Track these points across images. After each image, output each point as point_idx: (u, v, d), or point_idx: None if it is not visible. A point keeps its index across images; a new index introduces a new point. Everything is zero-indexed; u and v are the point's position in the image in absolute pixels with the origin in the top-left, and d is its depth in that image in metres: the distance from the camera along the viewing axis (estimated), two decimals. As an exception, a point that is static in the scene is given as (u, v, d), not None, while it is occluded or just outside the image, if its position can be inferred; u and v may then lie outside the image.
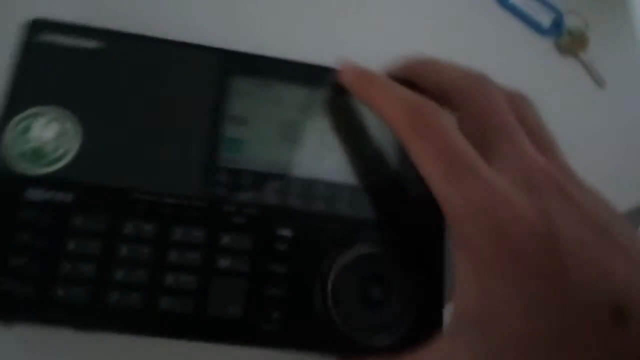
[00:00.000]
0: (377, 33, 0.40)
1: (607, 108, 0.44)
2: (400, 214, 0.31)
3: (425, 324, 0.29)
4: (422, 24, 0.42)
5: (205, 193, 0.29)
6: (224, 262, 0.28)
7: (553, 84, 0.42)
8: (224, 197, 0.29)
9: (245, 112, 0.31)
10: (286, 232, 0.29)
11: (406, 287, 0.29)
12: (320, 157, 0.31)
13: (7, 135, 0.29)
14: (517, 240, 0.22)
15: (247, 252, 0.29)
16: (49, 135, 0.29)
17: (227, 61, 0.31)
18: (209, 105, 0.31)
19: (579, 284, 0.21)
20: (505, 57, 0.40)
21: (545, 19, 0.45)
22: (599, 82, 0.44)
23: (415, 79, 0.31)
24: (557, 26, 0.45)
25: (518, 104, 0.27)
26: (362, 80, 0.29)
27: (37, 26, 0.30)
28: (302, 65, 0.32)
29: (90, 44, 0.30)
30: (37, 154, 0.29)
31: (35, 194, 0.28)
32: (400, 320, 0.29)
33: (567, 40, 0.45)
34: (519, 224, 0.22)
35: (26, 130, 0.29)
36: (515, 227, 0.22)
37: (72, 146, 0.29)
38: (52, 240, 0.27)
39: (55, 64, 0.30)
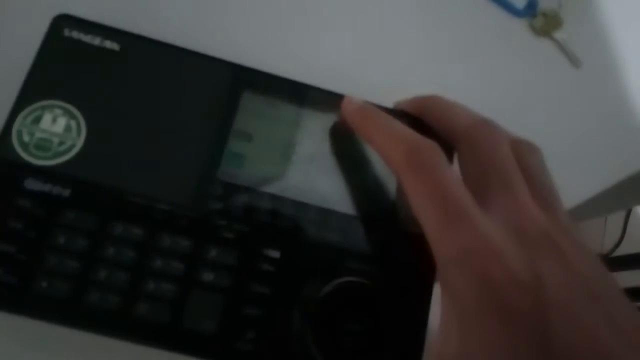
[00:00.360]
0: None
1: (583, 88, 0.43)
2: (392, 248, 0.30)
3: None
4: (397, 7, 0.42)
5: (199, 204, 0.29)
6: (206, 275, 0.28)
7: (529, 65, 0.43)
8: (216, 210, 0.29)
9: (251, 129, 0.31)
10: (273, 253, 0.29)
11: (387, 323, 0.29)
12: (317, 182, 0.31)
13: (18, 122, 0.29)
14: (503, 292, 0.21)
15: (231, 268, 0.29)
16: (57, 129, 0.29)
17: (240, 76, 0.32)
18: (216, 117, 0.31)
19: (562, 352, 0.20)
20: (481, 39, 0.40)
21: (519, 0, 0.44)
22: (574, 62, 0.43)
23: (423, 116, 0.30)
24: (531, 7, 0.44)
25: (522, 150, 0.27)
26: (363, 115, 0.29)
27: (61, 21, 0.31)
28: (312, 88, 0.32)
29: (109, 44, 0.31)
30: (43, 146, 0.29)
31: (34, 184, 0.28)
32: (379, 356, 0.28)
33: (541, 21, 0.44)
34: (506, 275, 0.21)
35: (37, 120, 0.29)
36: (502, 278, 0.21)
37: (76, 142, 0.29)
38: (43, 232, 0.28)
39: (73, 60, 0.31)
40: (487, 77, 0.41)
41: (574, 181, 0.40)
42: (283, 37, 0.39)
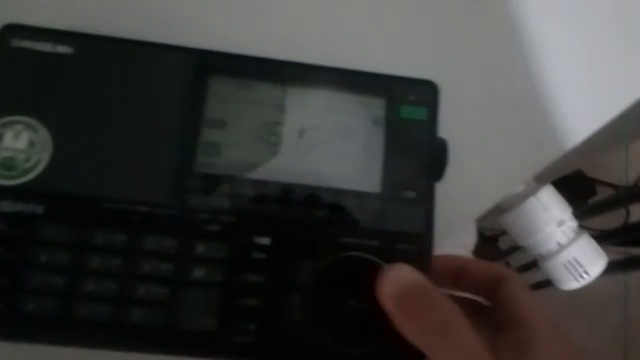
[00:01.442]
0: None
1: (569, 17, 0.41)
2: (386, 217, 0.29)
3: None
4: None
5: (179, 200, 0.28)
6: (197, 272, 0.27)
7: None
8: (198, 204, 0.28)
9: (223, 115, 0.30)
10: (263, 240, 0.28)
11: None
12: (300, 160, 0.30)
13: (-21, 145, 0.28)
14: None
15: (222, 261, 0.28)
16: (21, 146, 0.28)
17: (203, 61, 0.30)
18: (185, 108, 0.29)
19: None
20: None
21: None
22: None
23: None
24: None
25: None
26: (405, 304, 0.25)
27: (8, 32, 0.29)
28: (282, 63, 0.31)
29: (61, 48, 0.29)
30: (9, 164, 0.28)
31: (5, 205, 0.27)
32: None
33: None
34: None
35: (-2, 139, 0.28)
36: None
37: (43, 156, 0.28)
38: (22, 252, 0.27)
39: (26, 70, 0.29)
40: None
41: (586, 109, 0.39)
42: (245, 15, 0.37)
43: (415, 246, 0.29)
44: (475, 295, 0.29)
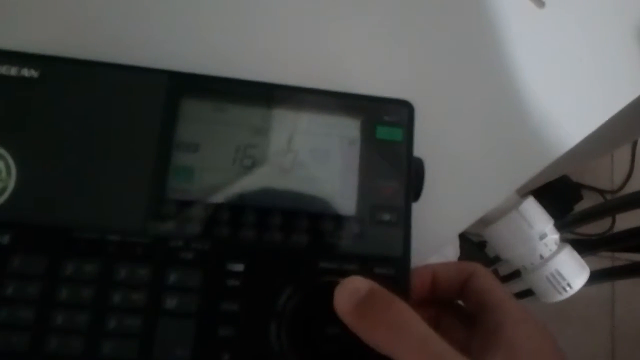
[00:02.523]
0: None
1: (546, 28, 0.42)
2: (364, 241, 0.29)
3: None
4: None
5: (151, 227, 0.27)
6: (170, 302, 0.27)
7: (493, 6, 0.41)
8: (171, 231, 0.28)
9: (195, 138, 0.29)
10: (237, 267, 0.27)
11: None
12: (276, 183, 0.29)
13: (-57, 173, 0.27)
14: None
15: (196, 290, 0.27)
16: (-15, 173, 0.27)
17: (174, 83, 0.30)
18: (155, 132, 0.29)
19: None
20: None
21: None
22: (537, 2, 0.42)
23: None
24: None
25: None
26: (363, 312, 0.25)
27: (-28, 56, 0.29)
28: (255, 84, 0.30)
29: (27, 72, 0.29)
30: (-26, 193, 0.27)
31: (-31, 236, 0.26)
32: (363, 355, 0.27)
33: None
34: None
35: (-37, 167, 0.27)
36: None
37: (7, 184, 0.27)
38: (-13, 285, 0.26)
39: (-10, 95, 0.28)
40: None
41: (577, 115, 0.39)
42: (217, 37, 0.37)
43: (393, 269, 0.29)
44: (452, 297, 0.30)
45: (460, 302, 0.30)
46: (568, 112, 0.40)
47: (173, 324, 0.26)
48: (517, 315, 0.26)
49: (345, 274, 0.28)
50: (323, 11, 0.38)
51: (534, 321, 0.26)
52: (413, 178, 0.30)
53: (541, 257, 0.46)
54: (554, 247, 0.46)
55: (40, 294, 0.26)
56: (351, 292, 0.25)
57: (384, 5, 0.39)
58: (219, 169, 0.29)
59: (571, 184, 1.30)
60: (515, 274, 0.89)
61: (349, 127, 0.30)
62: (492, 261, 1.05)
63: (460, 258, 0.60)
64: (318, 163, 0.30)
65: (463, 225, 0.36)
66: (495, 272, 1.02)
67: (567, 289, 0.46)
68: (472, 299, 0.28)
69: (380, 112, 0.31)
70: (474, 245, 1.14)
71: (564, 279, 0.46)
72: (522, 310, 0.26)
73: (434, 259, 0.33)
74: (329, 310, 0.27)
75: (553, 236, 0.46)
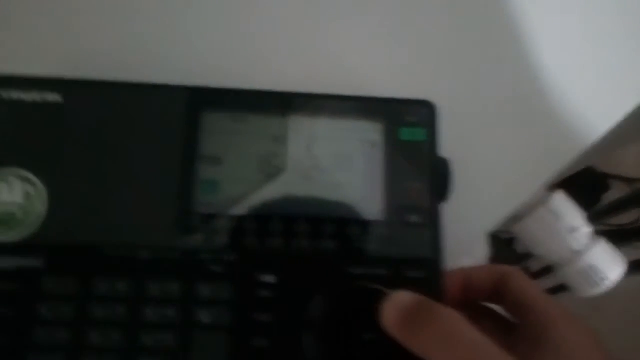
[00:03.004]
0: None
1: (568, 17, 0.40)
2: (390, 247, 0.28)
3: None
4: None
5: (180, 242, 0.28)
6: (203, 316, 0.27)
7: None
8: (199, 245, 0.28)
9: (219, 151, 0.29)
10: (268, 278, 0.27)
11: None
12: (302, 191, 0.29)
13: (-25, 201, 0.28)
14: None
15: (228, 302, 0.27)
16: (17, 199, 0.28)
17: (194, 98, 0.30)
18: (179, 148, 0.29)
19: None
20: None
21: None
22: None
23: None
24: None
25: None
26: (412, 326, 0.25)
27: (-3, 84, 0.29)
28: (275, 93, 0.30)
29: (50, 96, 0.29)
30: (6, 220, 0.27)
31: (5, 262, 0.27)
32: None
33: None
34: None
35: (-6, 194, 0.28)
36: None
37: (39, 208, 0.28)
38: (24, 309, 0.26)
39: (17, 122, 0.29)
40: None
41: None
42: (234, 49, 0.37)
43: (425, 272, 0.28)
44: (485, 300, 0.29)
45: (491, 305, 0.30)
46: (593, 102, 0.39)
47: (207, 338, 0.26)
48: (561, 314, 0.26)
49: (375, 278, 0.28)
50: (340, 15, 0.38)
51: (577, 319, 0.26)
52: (438, 177, 0.30)
53: (574, 251, 0.45)
54: (587, 241, 0.45)
55: (74, 314, 0.26)
56: (398, 305, 0.25)
57: (400, 6, 0.39)
58: (243, 179, 0.29)
59: (597, 175, 1.28)
60: (547, 270, 0.87)
61: (371, 131, 0.30)
62: (522, 258, 1.03)
63: (490, 256, 0.59)
64: (342, 168, 0.30)
65: (494, 223, 0.35)
66: (526, 269, 1.00)
67: (603, 282, 0.45)
68: (509, 300, 0.28)
69: (402, 113, 0.30)
70: (502, 241, 1.13)
71: (599, 272, 0.45)
72: (564, 309, 0.26)
73: (465, 259, 0.33)
74: (363, 316, 0.27)
75: (585, 230, 0.45)
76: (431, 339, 0.24)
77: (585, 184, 1.18)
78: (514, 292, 0.27)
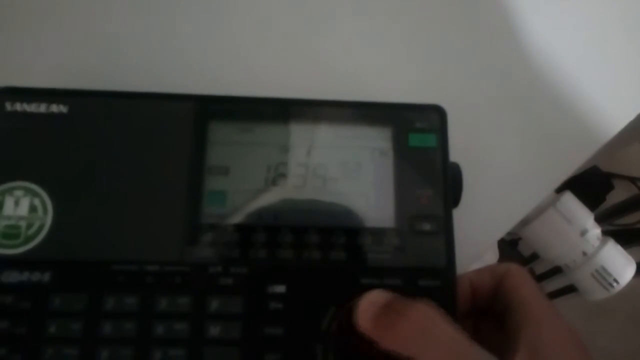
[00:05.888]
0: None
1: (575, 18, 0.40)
2: (403, 256, 0.28)
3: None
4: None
5: (189, 255, 0.27)
6: (213, 330, 0.26)
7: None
8: (208, 257, 0.27)
9: (225, 161, 0.29)
10: (279, 289, 0.27)
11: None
12: (311, 201, 0.29)
13: (-20, 214, 0.27)
14: None
15: (238, 316, 0.26)
16: (22, 212, 0.27)
17: (200, 107, 0.29)
18: (186, 157, 0.29)
19: None
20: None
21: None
22: None
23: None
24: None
25: None
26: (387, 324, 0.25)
27: (2, 96, 0.29)
28: (281, 101, 0.30)
29: (56, 108, 0.29)
30: (12, 233, 0.27)
31: (10, 276, 0.26)
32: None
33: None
34: None
35: (-1, 208, 0.27)
36: None
37: (45, 221, 0.27)
38: (32, 324, 0.26)
39: (23, 134, 0.28)
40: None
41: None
42: (237, 57, 0.36)
43: (438, 280, 0.28)
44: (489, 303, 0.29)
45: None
46: (606, 104, 0.38)
47: (218, 353, 0.26)
48: (539, 315, 0.25)
49: (389, 289, 0.27)
50: (345, 20, 0.38)
51: (557, 322, 0.25)
52: (451, 184, 0.29)
53: (584, 253, 0.45)
54: (597, 243, 0.45)
55: (83, 330, 0.26)
56: (367, 306, 0.25)
57: (407, 11, 0.38)
58: (251, 190, 0.29)
59: (601, 174, 1.27)
60: (554, 271, 0.87)
61: (380, 138, 0.30)
62: (528, 260, 1.03)
63: (498, 260, 0.58)
64: (351, 177, 0.29)
65: (504, 229, 0.35)
66: (531, 271, 1.00)
67: (614, 284, 0.44)
68: (500, 300, 0.27)
69: (411, 119, 0.30)
70: (507, 243, 1.12)
71: (610, 274, 0.44)
72: (545, 310, 0.25)
73: (475, 265, 0.32)
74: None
75: (595, 231, 0.45)
76: (406, 334, 0.24)
77: (589, 183, 1.18)
78: (506, 292, 0.27)
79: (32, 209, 0.27)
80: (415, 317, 0.24)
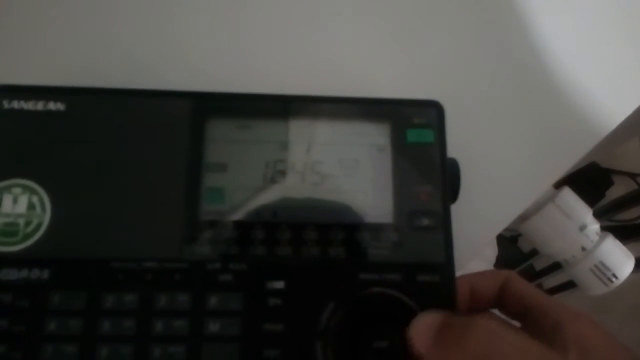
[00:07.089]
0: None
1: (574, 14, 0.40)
2: (401, 252, 0.28)
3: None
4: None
5: (187, 252, 0.27)
6: (213, 327, 0.26)
7: None
8: (207, 254, 0.27)
9: (223, 157, 0.29)
10: (278, 285, 0.27)
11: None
12: (309, 197, 0.29)
13: (-22, 212, 0.27)
14: None
15: (238, 312, 0.26)
16: (20, 210, 0.27)
17: (197, 104, 0.29)
18: (183, 155, 0.29)
19: None
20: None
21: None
22: None
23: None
24: None
25: None
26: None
27: (0, 93, 0.29)
28: (278, 97, 0.30)
29: (53, 105, 0.29)
30: (10, 231, 0.27)
31: (9, 274, 0.26)
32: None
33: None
34: None
35: (-3, 206, 0.27)
36: None
37: (43, 219, 0.27)
38: (31, 322, 0.26)
39: (20, 132, 0.28)
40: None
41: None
42: (234, 53, 0.36)
43: (438, 276, 0.28)
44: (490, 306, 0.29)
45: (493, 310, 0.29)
46: (605, 100, 0.38)
47: (217, 349, 0.26)
48: (573, 311, 0.25)
49: (388, 284, 0.27)
50: (344, 17, 0.37)
51: (584, 314, 0.25)
52: (448, 179, 0.29)
53: (583, 249, 0.45)
54: (596, 238, 0.45)
55: (82, 328, 0.26)
56: (427, 327, 0.25)
57: (404, 6, 0.38)
58: (249, 187, 0.29)
59: (600, 170, 1.27)
60: (552, 268, 0.87)
61: (378, 134, 0.30)
62: (527, 256, 1.03)
63: (497, 256, 0.58)
64: (349, 173, 0.29)
65: (502, 224, 0.35)
66: (531, 267, 1.00)
67: (613, 279, 0.44)
68: (513, 303, 0.27)
69: (409, 115, 0.30)
70: (506, 240, 1.12)
71: (609, 269, 0.44)
72: (567, 305, 0.26)
73: (476, 264, 0.32)
74: (374, 323, 0.26)
75: (593, 226, 0.45)
76: (476, 352, 0.23)
77: (588, 179, 1.18)
78: (516, 294, 0.27)
79: (30, 206, 0.27)
80: (479, 333, 0.24)
